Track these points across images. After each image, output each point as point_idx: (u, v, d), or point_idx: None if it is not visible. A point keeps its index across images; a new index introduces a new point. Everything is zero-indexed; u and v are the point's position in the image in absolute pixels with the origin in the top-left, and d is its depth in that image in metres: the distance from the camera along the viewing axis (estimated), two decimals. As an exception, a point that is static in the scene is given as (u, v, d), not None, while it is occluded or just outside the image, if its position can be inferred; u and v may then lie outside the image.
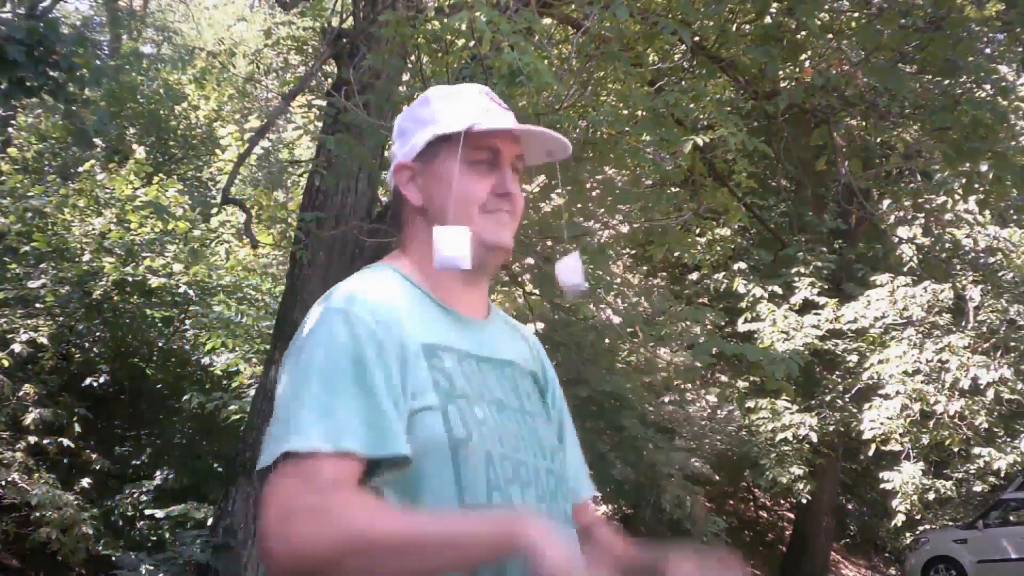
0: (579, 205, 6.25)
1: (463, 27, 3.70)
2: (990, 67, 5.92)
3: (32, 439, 6.77)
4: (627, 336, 7.88)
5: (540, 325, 7.61)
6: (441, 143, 1.32)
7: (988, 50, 6.68)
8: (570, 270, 1.37)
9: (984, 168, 5.66)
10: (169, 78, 13.82)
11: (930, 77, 6.02)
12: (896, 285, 10.92)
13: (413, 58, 4.97)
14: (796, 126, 7.30)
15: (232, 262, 9.33)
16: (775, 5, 5.55)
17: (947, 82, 5.99)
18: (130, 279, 7.79)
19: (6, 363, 6.97)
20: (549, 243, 6.07)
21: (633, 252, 11.30)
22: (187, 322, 8.52)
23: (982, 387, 10.74)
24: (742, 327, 11.10)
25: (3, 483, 6.16)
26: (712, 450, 11.58)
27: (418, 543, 1.04)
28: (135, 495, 7.38)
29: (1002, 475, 12.46)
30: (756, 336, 10.81)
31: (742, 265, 11.36)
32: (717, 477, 10.90)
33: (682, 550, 1.28)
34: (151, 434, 8.45)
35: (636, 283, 11.28)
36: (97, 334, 8.17)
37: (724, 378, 12.38)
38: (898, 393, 10.70)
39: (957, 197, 8.00)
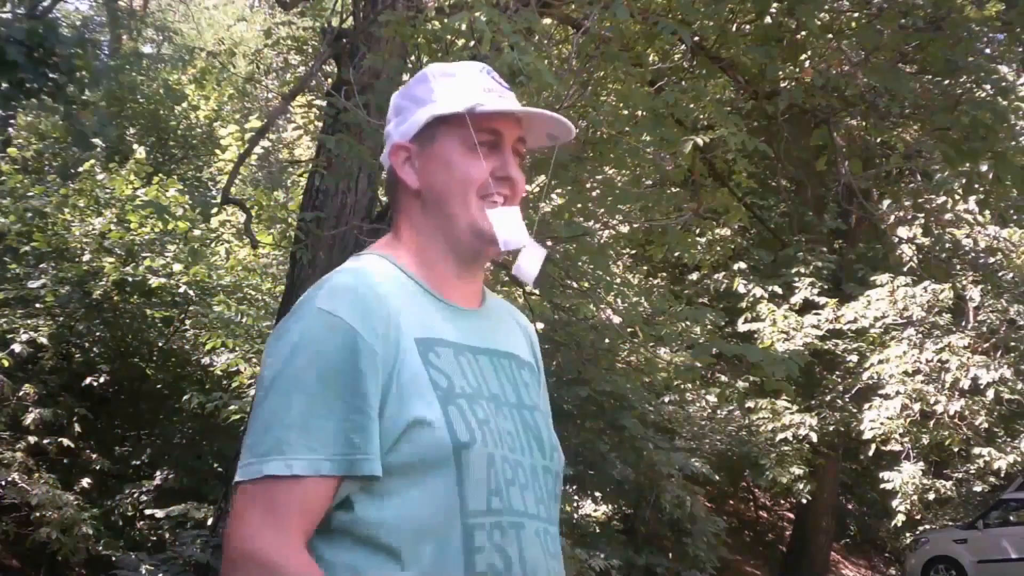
0: (579, 205, 6.24)
1: (463, 27, 3.69)
2: (990, 67, 5.91)
3: (32, 439, 6.76)
4: (627, 336, 7.86)
5: (540, 325, 7.60)
6: (440, 124, 1.27)
7: (988, 50, 6.67)
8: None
9: (984, 168, 5.65)
10: (169, 78, 13.82)
11: (930, 77, 6.01)
12: (896, 285, 10.93)
13: (413, 58, 4.97)
14: (796, 126, 7.29)
15: (232, 262, 9.32)
16: (775, 5, 5.54)
17: (947, 82, 5.98)
18: (130, 279, 7.78)
19: (6, 363, 6.97)
20: (549, 243, 6.06)
21: (633, 252, 11.31)
22: (187, 322, 8.51)
23: (982, 387, 10.75)
24: (742, 327, 11.13)
25: (3, 483, 6.16)
26: (712, 450, 11.57)
27: None
28: (135, 495, 7.39)
29: (1002, 475, 12.46)
30: (756, 336, 10.83)
31: (742, 265, 11.38)
32: (717, 477, 10.89)
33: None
34: (151, 434, 8.45)
35: (636, 283, 11.27)
36: (97, 334, 8.16)
37: (724, 378, 12.38)
38: (898, 393, 10.71)
39: (957, 197, 8.01)
